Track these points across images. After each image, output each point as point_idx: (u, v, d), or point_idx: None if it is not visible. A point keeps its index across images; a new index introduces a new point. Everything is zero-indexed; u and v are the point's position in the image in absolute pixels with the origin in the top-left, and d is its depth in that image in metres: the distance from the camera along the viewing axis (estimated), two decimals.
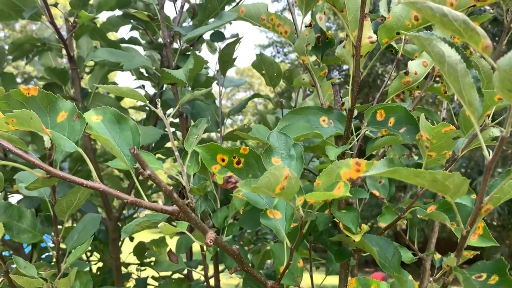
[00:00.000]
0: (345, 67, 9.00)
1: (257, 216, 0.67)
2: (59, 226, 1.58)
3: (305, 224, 0.57)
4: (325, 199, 0.49)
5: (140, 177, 0.52)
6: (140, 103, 1.68)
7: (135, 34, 1.36)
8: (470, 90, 0.44)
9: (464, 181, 0.41)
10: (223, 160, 0.61)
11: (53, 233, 0.81)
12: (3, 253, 0.77)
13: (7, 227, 0.76)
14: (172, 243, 1.02)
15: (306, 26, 0.87)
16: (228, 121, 1.22)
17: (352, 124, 0.80)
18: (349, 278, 0.81)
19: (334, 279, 0.88)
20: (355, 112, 0.90)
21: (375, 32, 0.77)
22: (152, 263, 0.88)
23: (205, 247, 0.81)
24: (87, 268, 1.62)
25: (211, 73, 1.40)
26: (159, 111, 0.74)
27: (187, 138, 0.79)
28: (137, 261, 1.56)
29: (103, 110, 0.57)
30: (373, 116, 0.76)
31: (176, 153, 0.76)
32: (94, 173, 0.51)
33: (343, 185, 0.45)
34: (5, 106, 0.52)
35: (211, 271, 0.95)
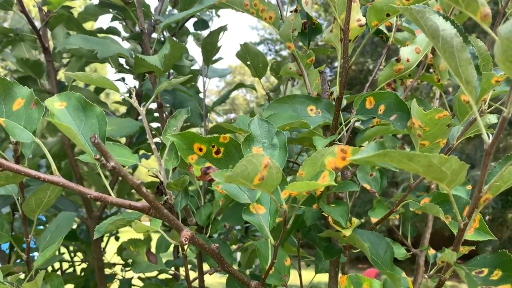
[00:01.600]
0: (336, 64, 8.94)
1: (241, 211, 0.62)
2: (41, 227, 1.51)
3: (289, 219, 0.53)
4: (309, 190, 0.45)
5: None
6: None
7: (118, 26, 1.30)
8: (467, 67, 0.39)
9: (462, 167, 0.37)
10: (200, 149, 0.56)
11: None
12: None
13: None
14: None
15: (291, 11, 0.83)
16: (219, 119, 1.17)
17: (341, 114, 0.75)
18: (340, 275, 0.77)
19: (324, 277, 0.84)
20: (345, 103, 0.86)
21: (364, 16, 0.73)
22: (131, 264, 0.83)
23: (185, 246, 0.76)
24: (71, 269, 1.57)
25: (197, 67, 1.35)
26: (134, 101, 0.69)
27: (165, 130, 0.74)
28: (122, 262, 1.51)
29: (67, 96, 0.52)
30: (362, 104, 0.72)
31: (153, 146, 0.71)
32: (53, 166, 0.46)
33: (328, 174, 0.40)
34: None
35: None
